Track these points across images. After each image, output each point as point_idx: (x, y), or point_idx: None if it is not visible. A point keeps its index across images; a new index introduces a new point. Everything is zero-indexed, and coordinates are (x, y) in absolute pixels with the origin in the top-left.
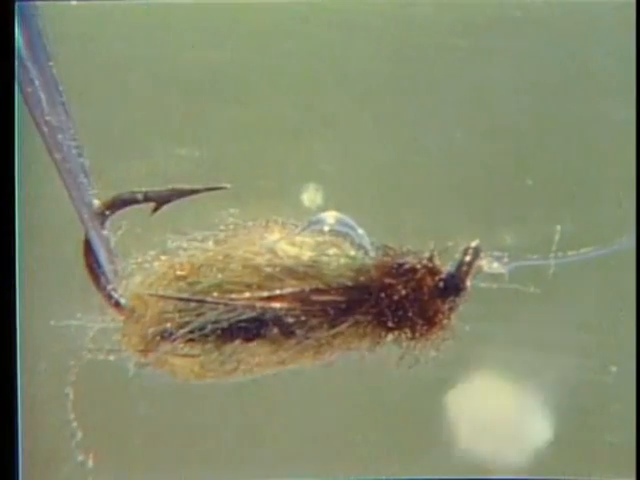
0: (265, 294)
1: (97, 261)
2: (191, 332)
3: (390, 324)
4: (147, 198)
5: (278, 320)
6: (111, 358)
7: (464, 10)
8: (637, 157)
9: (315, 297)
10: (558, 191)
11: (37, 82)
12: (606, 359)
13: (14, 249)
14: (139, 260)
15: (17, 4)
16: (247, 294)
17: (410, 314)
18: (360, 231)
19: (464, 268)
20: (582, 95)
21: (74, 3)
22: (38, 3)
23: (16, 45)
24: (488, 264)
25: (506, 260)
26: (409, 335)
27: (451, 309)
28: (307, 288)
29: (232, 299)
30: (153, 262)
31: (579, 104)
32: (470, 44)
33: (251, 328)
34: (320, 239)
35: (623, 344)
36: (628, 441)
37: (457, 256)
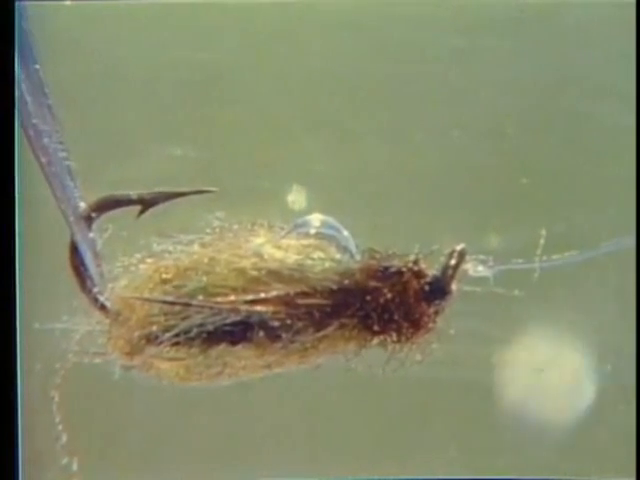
0: (250, 297)
1: (83, 264)
2: (177, 335)
3: (376, 327)
4: (133, 201)
5: (263, 323)
6: (97, 361)
7: (461, 10)
8: (637, 158)
9: (300, 300)
10: (545, 195)
11: (23, 85)
12: (601, 359)
13: (14, 251)
14: (125, 263)
15: (17, 4)
16: (232, 297)
17: (396, 317)
18: (346, 233)
19: (449, 271)
20: (581, 96)
21: (67, 3)
22: (29, 4)
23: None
24: (473, 267)
25: (491, 263)
26: (395, 338)
27: (436, 312)
28: (292, 291)
29: (217, 302)
30: (139, 265)
31: (578, 105)
32: (466, 44)
33: (236, 331)
34: (306, 242)
35: (617, 343)
36: (628, 441)
37: (442, 259)
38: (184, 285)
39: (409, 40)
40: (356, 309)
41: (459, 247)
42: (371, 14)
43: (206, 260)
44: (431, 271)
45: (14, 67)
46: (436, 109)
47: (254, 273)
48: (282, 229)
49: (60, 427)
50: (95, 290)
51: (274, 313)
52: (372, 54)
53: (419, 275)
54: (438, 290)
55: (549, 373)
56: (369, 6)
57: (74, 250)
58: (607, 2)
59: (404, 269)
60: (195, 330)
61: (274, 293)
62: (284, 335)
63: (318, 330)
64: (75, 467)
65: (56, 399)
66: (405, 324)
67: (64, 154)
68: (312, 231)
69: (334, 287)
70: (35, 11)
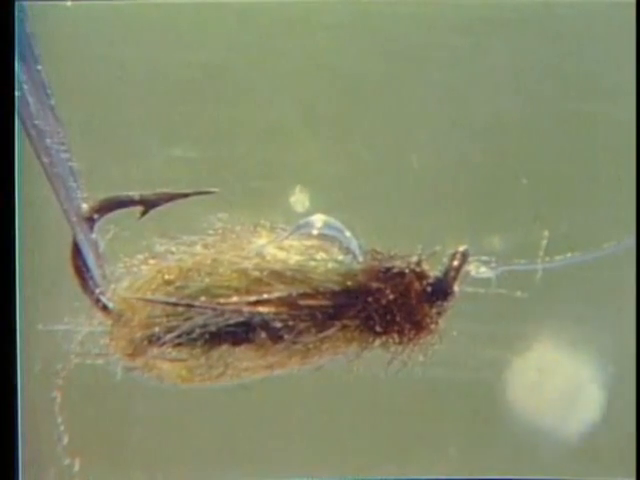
0: (253, 298)
1: (85, 265)
2: (179, 336)
3: (378, 329)
4: (136, 202)
5: (266, 325)
6: (99, 362)
7: (460, 10)
8: (637, 158)
9: (303, 301)
10: (547, 195)
11: (25, 86)
12: (601, 359)
13: (16, 252)
14: (127, 264)
15: (17, 4)
16: (235, 298)
17: (398, 319)
18: (348, 234)
19: (452, 273)
20: (581, 96)
21: (68, 4)
22: (30, 4)
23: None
24: (476, 269)
25: (494, 265)
26: (397, 340)
27: (439, 313)
28: (295, 292)
29: (220, 303)
30: (141, 266)
31: (578, 105)
32: (466, 44)
33: (239, 332)
34: (308, 243)
35: (618, 343)
36: (628, 441)
37: (445, 260)
38: (186, 286)
39: (409, 40)
40: (358, 310)
41: (462, 248)
42: (371, 14)
43: (208, 261)
44: (433, 272)
45: (14, 67)
46: (437, 109)
47: (256, 274)
48: (284, 230)
49: (62, 428)
50: (97, 291)
51: (276, 314)
52: (372, 54)
53: (421, 276)
54: (440, 291)
55: (550, 373)
56: (369, 6)
57: (76, 251)
58: (607, 2)
59: (406, 270)
60: (197, 331)
61: (276, 294)
62: (286, 336)
63: (320, 331)
64: (77, 468)
65: (58, 400)
66: (407, 325)
67: (66, 155)
68: (314, 232)
69: (336, 288)
70: (36, 11)
